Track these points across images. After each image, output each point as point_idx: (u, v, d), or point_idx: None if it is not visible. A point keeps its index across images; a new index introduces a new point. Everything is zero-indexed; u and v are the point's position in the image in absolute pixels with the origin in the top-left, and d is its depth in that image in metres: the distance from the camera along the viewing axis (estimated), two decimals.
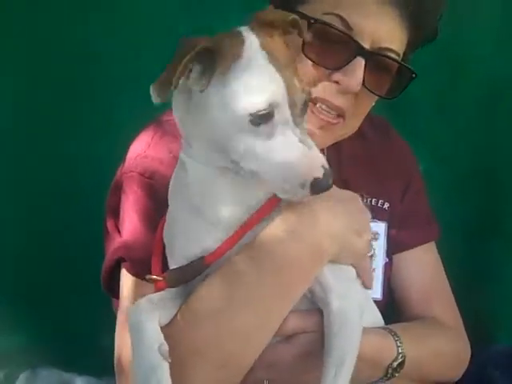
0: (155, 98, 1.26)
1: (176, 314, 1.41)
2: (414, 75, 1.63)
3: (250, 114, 1.27)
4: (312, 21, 1.54)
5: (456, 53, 2.28)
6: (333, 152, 1.83)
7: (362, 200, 1.78)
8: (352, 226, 1.46)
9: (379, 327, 1.61)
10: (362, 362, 1.43)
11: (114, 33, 2.20)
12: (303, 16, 1.51)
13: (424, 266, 1.87)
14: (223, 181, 1.38)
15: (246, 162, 1.31)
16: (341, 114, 1.61)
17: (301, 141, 1.28)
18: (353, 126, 1.69)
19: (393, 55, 1.60)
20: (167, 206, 1.50)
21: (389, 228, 1.84)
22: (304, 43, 1.51)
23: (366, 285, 1.50)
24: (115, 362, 1.53)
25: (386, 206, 1.84)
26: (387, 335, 1.58)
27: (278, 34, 1.33)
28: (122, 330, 1.53)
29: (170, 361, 1.32)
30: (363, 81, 1.57)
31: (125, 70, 2.20)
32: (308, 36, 1.41)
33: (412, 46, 1.65)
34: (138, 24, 2.21)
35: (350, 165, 1.84)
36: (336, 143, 1.84)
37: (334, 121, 1.61)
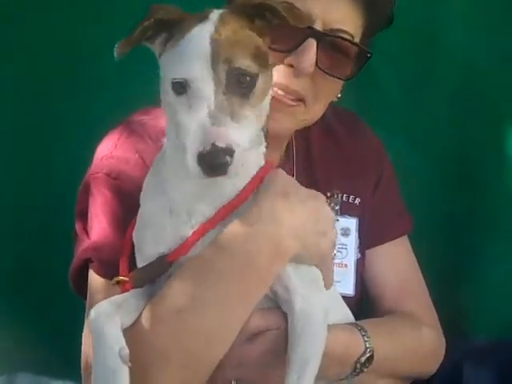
0: (116, 55, 1.35)
1: (140, 315, 1.41)
2: (368, 55, 1.64)
3: (171, 81, 1.32)
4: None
5: (429, 41, 2.27)
6: (302, 149, 1.84)
7: (333, 196, 1.81)
8: (315, 226, 1.45)
9: (346, 323, 1.61)
10: (329, 358, 1.43)
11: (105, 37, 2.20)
12: None
13: (397, 261, 1.87)
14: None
15: (179, 135, 1.33)
16: (300, 98, 1.62)
17: (210, 115, 1.27)
18: (315, 111, 1.67)
19: (345, 36, 1.60)
20: (134, 206, 1.49)
21: (360, 223, 1.83)
22: None
23: (326, 285, 1.48)
24: (82, 363, 1.53)
25: (357, 201, 1.84)
26: (354, 330, 1.58)
27: (244, 18, 1.36)
28: (87, 334, 1.52)
29: (130, 365, 1.31)
30: (316, 62, 1.58)
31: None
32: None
33: (369, 30, 1.66)
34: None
35: (320, 162, 1.84)
36: (305, 141, 1.85)
37: (293, 103, 1.61)
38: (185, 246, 1.40)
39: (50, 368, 2.27)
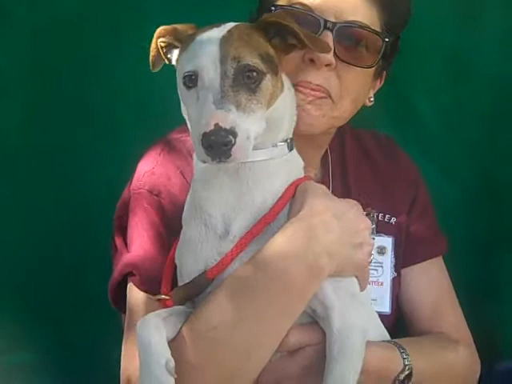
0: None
1: (180, 330, 1.43)
2: (386, 40, 1.67)
3: (183, 76, 1.39)
4: (272, 8, 1.65)
5: (464, 70, 2.30)
6: (338, 167, 1.86)
7: (369, 214, 1.82)
8: (350, 239, 1.47)
9: (385, 340, 1.61)
10: (368, 375, 1.43)
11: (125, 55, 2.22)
12: (276, 6, 1.65)
13: (432, 281, 1.87)
14: (223, 180, 1.44)
15: (191, 129, 1.40)
16: (326, 94, 1.64)
17: (216, 102, 1.32)
18: (343, 108, 1.69)
19: (359, 25, 1.64)
20: (175, 222, 1.52)
21: (396, 242, 1.84)
22: None
23: (361, 288, 1.50)
24: (122, 377, 1.54)
25: (393, 220, 1.85)
26: (392, 348, 1.58)
27: (260, 31, 1.44)
28: (130, 346, 1.53)
29: (175, 376, 1.33)
30: (335, 52, 1.61)
31: (133, 90, 2.21)
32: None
33: (388, 26, 1.69)
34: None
35: (356, 180, 1.86)
36: (341, 158, 1.86)
37: (321, 94, 1.63)
38: (223, 262, 1.42)
39: (76, 380, 2.28)
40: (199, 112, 1.34)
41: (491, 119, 2.30)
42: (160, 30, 1.49)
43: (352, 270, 1.47)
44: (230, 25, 1.43)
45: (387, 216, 1.85)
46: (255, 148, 1.40)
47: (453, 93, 2.30)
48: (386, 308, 1.80)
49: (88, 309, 2.20)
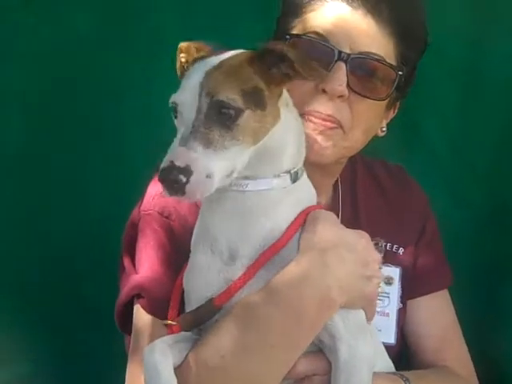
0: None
1: (186, 357, 1.42)
2: (400, 73, 1.66)
3: (170, 104, 1.40)
4: (287, 36, 1.65)
5: (472, 96, 2.30)
6: (348, 195, 1.85)
7: (377, 244, 1.81)
8: (361, 271, 1.46)
9: (390, 372, 1.61)
10: None
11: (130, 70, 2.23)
12: (291, 35, 1.66)
13: (437, 313, 1.87)
14: (227, 207, 1.43)
15: None
16: (337, 125, 1.64)
17: (182, 138, 1.32)
18: (354, 138, 1.69)
19: (374, 57, 1.64)
20: (185, 245, 1.51)
21: (403, 273, 1.84)
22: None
23: (368, 319, 1.49)
24: None
25: (401, 251, 1.85)
26: (398, 380, 1.58)
27: (256, 62, 1.39)
28: (135, 369, 1.53)
29: None
30: (348, 84, 1.61)
31: (145, 109, 2.21)
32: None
33: (405, 56, 1.68)
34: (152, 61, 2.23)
35: (365, 209, 1.86)
36: (352, 187, 1.86)
37: (332, 125, 1.63)
38: (232, 289, 1.41)
39: None
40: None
41: (500, 146, 2.31)
42: (181, 45, 1.49)
43: (362, 303, 1.47)
44: (228, 54, 1.42)
45: (395, 246, 1.85)
46: (256, 178, 1.41)
47: (462, 120, 2.31)
48: (392, 339, 1.80)
49: (90, 321, 2.20)
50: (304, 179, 1.52)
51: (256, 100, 1.37)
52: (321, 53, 1.61)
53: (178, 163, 1.29)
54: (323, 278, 1.41)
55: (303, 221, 1.46)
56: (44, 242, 2.24)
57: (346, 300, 1.42)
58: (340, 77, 1.61)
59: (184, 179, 1.28)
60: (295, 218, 1.45)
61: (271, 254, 1.42)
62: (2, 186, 2.21)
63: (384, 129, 1.77)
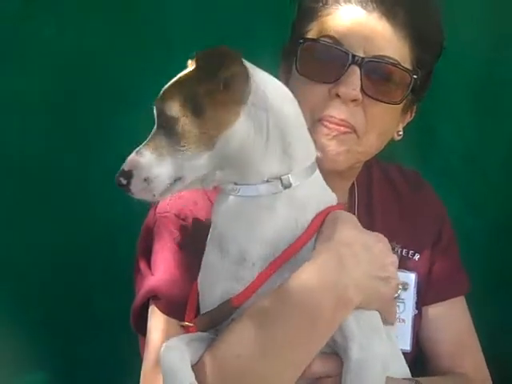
0: None
1: (202, 356, 1.42)
2: (415, 76, 1.65)
3: None
4: (301, 40, 1.65)
5: (489, 102, 2.31)
6: (364, 201, 1.85)
7: (392, 249, 1.80)
8: (378, 273, 1.46)
9: (406, 378, 1.59)
10: None
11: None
12: (304, 39, 1.66)
13: (453, 321, 1.85)
14: (231, 209, 1.45)
15: None
16: (351, 129, 1.63)
17: (140, 147, 1.41)
18: (369, 143, 1.68)
19: (388, 61, 1.63)
20: (201, 248, 1.51)
21: (419, 279, 1.83)
22: (298, 64, 1.64)
23: (390, 322, 1.49)
24: None
25: (417, 256, 1.84)
26: None
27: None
28: (150, 371, 1.53)
29: None
30: (362, 88, 1.60)
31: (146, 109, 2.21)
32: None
33: (421, 60, 1.67)
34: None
35: (381, 214, 1.85)
36: (368, 192, 1.86)
37: (346, 130, 1.62)
38: (249, 290, 1.41)
39: None
40: None
41: None
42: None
43: (377, 304, 1.46)
44: None
45: (411, 252, 1.84)
46: (242, 183, 1.44)
47: (478, 126, 2.31)
48: (407, 345, 1.78)
49: (103, 329, 2.20)
50: (312, 182, 1.49)
51: (193, 107, 1.39)
52: (334, 57, 1.61)
53: (124, 167, 1.40)
54: (340, 277, 1.40)
55: (321, 222, 1.45)
56: (47, 244, 2.24)
57: (361, 300, 1.41)
58: (354, 81, 1.60)
59: (124, 182, 1.39)
60: (314, 219, 1.45)
61: (289, 255, 1.41)
62: (2, 187, 2.21)
63: (400, 132, 1.77)
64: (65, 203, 2.24)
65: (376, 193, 1.87)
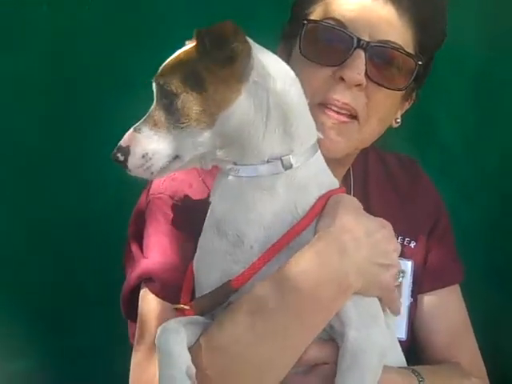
0: None
1: (197, 340, 1.39)
2: (419, 62, 1.63)
3: None
4: (305, 21, 1.62)
5: (487, 92, 2.31)
6: (360, 187, 1.82)
7: None
8: (379, 259, 1.44)
9: (402, 367, 1.57)
10: None
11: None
12: (308, 21, 1.62)
13: (448, 309, 1.83)
14: (229, 191, 1.43)
15: None
16: (353, 114, 1.61)
17: (138, 123, 1.39)
18: (369, 130, 1.66)
19: (394, 46, 1.61)
20: (196, 230, 1.48)
21: (415, 267, 1.80)
22: (302, 46, 1.61)
23: (394, 312, 1.48)
24: None
25: (413, 244, 1.81)
26: (410, 375, 1.55)
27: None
28: (143, 356, 1.50)
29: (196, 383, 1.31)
30: (366, 73, 1.58)
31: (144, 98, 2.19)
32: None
33: (423, 47, 1.66)
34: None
35: (377, 202, 1.81)
36: (364, 179, 1.84)
37: (346, 119, 1.61)
38: (249, 272, 1.38)
39: None
40: None
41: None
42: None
43: (377, 291, 1.44)
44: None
45: (407, 239, 1.81)
46: (242, 163, 1.41)
47: (476, 117, 2.31)
48: (402, 334, 1.75)
49: (91, 315, 2.17)
50: (313, 164, 1.46)
51: (194, 83, 1.36)
52: (339, 40, 1.59)
53: (121, 143, 1.38)
54: (340, 263, 1.38)
55: (323, 205, 1.43)
56: (44, 239, 2.22)
57: (361, 285, 1.39)
58: (359, 65, 1.58)
59: (122, 158, 1.37)
60: (315, 203, 1.42)
61: (290, 238, 1.39)
62: (2, 184, 2.19)
63: (398, 120, 1.75)
64: (59, 188, 2.23)
65: (372, 180, 1.85)
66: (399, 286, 1.52)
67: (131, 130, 1.38)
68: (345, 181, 1.80)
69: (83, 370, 2.20)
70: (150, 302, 1.53)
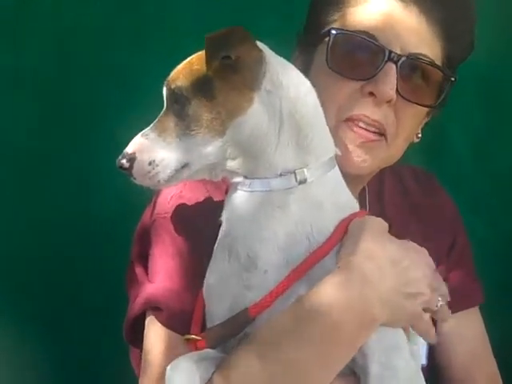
0: None
1: (211, 377, 1.30)
2: (452, 79, 1.56)
3: None
4: (333, 32, 1.52)
5: (498, 100, 2.27)
6: (376, 206, 1.73)
7: None
8: (406, 289, 1.34)
9: None
10: None
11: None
12: (336, 30, 1.53)
13: (467, 332, 1.76)
14: (241, 208, 1.34)
15: None
16: (381, 132, 1.53)
17: (146, 129, 1.34)
18: (397, 148, 1.58)
19: (425, 59, 1.53)
20: (207, 253, 1.39)
21: None
22: (329, 58, 1.51)
23: (428, 340, 1.41)
24: None
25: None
26: None
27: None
28: None
29: None
30: (397, 88, 1.50)
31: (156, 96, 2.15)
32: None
33: (450, 59, 1.58)
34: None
35: (394, 220, 1.69)
36: (380, 197, 1.76)
37: (374, 137, 1.52)
38: (268, 299, 1.29)
39: None
40: None
41: None
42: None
43: (403, 322, 1.35)
44: None
45: None
46: (253, 177, 1.34)
47: (488, 129, 2.26)
48: (423, 360, 1.67)
49: (90, 315, 2.15)
50: (329, 180, 1.38)
51: (205, 90, 1.31)
52: (369, 52, 1.50)
53: (127, 149, 1.32)
54: (363, 294, 1.29)
55: (345, 230, 1.34)
56: (45, 239, 2.18)
57: (386, 317, 1.31)
58: (391, 79, 1.49)
59: (127, 165, 1.31)
60: (336, 226, 1.34)
61: (311, 264, 1.30)
62: (3, 182, 2.15)
63: (419, 135, 1.66)
64: (59, 188, 2.19)
65: (388, 197, 1.76)
66: (439, 310, 1.42)
67: (138, 136, 1.33)
68: (360, 197, 1.71)
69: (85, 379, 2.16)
70: (156, 332, 1.44)
